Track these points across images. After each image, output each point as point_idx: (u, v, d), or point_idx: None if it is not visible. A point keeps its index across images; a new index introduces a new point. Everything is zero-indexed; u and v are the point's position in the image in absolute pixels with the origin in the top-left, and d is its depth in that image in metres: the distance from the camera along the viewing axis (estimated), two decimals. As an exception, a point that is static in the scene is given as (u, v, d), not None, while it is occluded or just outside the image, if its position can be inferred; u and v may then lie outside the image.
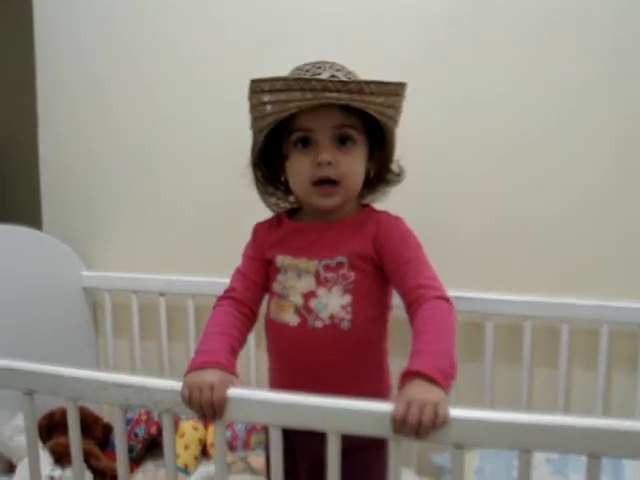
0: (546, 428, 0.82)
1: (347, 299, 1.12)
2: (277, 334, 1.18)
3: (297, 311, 1.13)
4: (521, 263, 1.59)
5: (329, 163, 1.09)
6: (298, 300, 1.14)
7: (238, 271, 1.22)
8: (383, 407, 0.89)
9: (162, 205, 1.85)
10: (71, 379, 1.06)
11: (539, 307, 1.52)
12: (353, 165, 1.13)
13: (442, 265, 1.59)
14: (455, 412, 0.86)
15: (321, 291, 1.12)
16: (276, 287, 1.18)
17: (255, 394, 0.97)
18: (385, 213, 1.19)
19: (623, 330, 1.52)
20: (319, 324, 1.12)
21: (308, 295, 1.13)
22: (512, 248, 1.59)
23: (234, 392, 0.97)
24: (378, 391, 1.18)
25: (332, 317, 1.11)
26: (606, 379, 1.51)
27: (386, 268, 1.13)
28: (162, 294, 1.80)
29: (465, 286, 1.55)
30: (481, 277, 1.59)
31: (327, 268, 1.13)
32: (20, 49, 1.91)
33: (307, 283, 1.13)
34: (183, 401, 0.97)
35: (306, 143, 1.11)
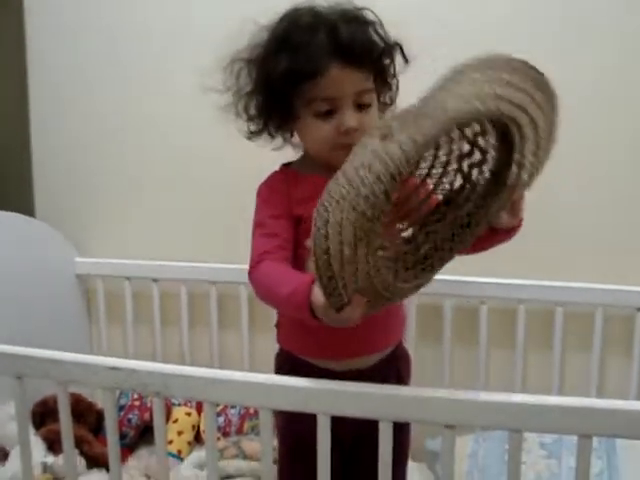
0: (535, 408, 0.82)
1: None
2: None
3: None
4: (515, 246, 1.57)
5: (355, 130, 1.06)
6: None
7: (264, 235, 1.09)
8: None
9: (155, 191, 1.84)
10: (60, 362, 1.05)
11: (533, 290, 1.52)
12: (372, 125, 1.08)
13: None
14: (445, 393, 0.86)
15: None
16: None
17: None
18: None
19: (617, 313, 1.51)
20: None
21: None
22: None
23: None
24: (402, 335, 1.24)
25: None
26: (600, 362, 1.51)
27: None
28: (155, 280, 1.79)
29: (459, 270, 1.54)
30: (475, 261, 1.58)
31: None
32: (11, 38, 1.88)
33: None
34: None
35: (330, 112, 1.06)
